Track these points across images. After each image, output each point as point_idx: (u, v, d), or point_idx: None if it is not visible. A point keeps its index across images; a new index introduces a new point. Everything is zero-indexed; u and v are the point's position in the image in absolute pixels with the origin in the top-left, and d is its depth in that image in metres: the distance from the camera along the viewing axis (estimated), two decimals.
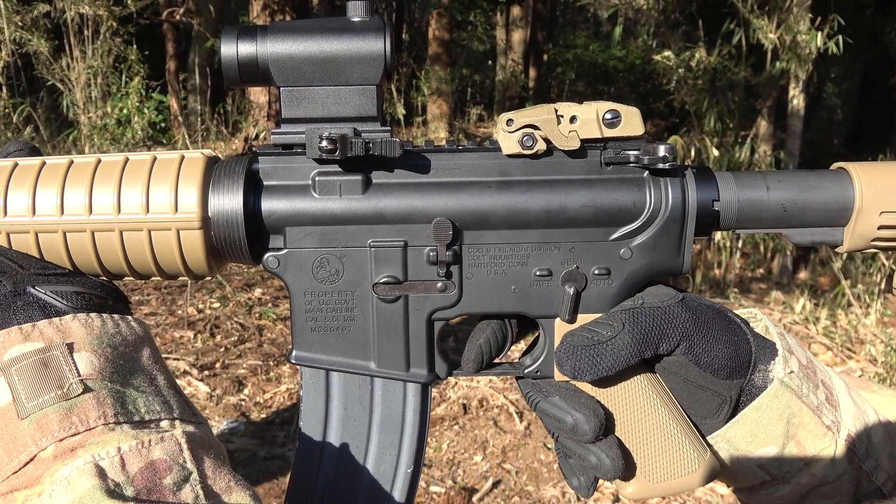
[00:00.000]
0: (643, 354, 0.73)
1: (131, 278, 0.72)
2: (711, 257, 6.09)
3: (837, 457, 0.78)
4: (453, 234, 0.72)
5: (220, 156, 0.73)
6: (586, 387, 0.76)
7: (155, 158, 0.70)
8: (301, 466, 0.76)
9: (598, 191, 0.74)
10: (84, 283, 0.67)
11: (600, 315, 0.76)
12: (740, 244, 6.23)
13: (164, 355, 4.03)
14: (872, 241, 0.76)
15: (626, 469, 0.76)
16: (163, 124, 8.07)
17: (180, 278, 0.73)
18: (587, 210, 0.74)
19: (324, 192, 0.72)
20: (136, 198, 0.67)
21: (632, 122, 0.73)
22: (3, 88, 6.31)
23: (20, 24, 6.24)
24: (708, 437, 0.79)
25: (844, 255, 5.69)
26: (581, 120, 0.73)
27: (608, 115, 0.73)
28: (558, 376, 0.77)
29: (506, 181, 0.73)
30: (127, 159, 0.70)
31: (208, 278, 0.79)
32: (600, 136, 0.73)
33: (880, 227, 0.75)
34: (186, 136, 6.66)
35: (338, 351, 0.75)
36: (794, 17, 6.03)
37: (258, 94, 7.83)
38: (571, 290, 0.75)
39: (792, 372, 0.77)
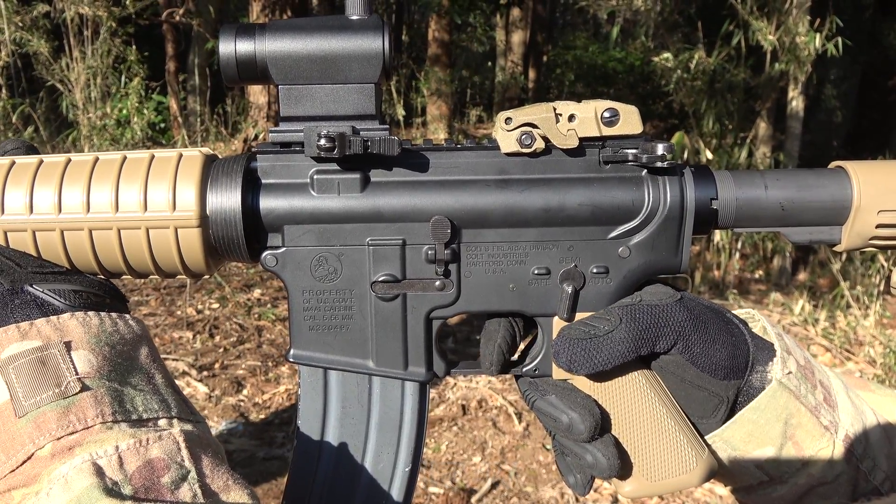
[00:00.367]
0: (639, 351, 0.73)
1: (129, 277, 0.72)
2: (711, 258, 6.09)
3: (835, 457, 0.78)
4: (452, 233, 0.72)
5: (218, 154, 0.73)
6: (584, 385, 0.76)
7: (153, 157, 0.70)
8: (299, 465, 0.76)
9: (596, 189, 0.74)
10: (82, 282, 0.67)
11: (599, 311, 0.76)
12: (739, 245, 6.23)
13: (163, 356, 4.03)
14: (870, 239, 0.76)
15: (624, 468, 0.76)
16: (162, 125, 8.06)
17: (179, 277, 0.73)
18: (585, 208, 0.74)
19: (322, 190, 0.72)
20: (134, 196, 0.67)
21: (630, 120, 0.73)
22: (3, 89, 6.31)
23: (20, 24, 6.24)
24: (706, 437, 0.78)
25: (844, 257, 5.69)
26: (579, 118, 0.73)
27: (606, 114, 0.73)
28: (556, 375, 0.77)
29: (504, 180, 0.73)
30: (125, 157, 0.70)
31: (207, 278, 0.79)
32: (599, 135, 0.73)
33: (878, 226, 0.75)
34: (186, 137, 6.67)
35: (336, 349, 0.75)
36: (793, 18, 6.03)
37: (257, 95, 7.83)
38: (570, 289, 0.75)
39: (790, 372, 0.77)
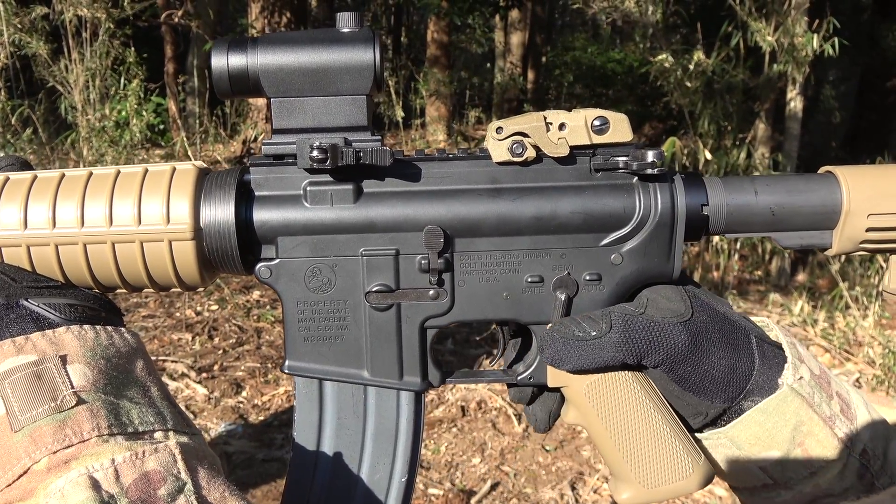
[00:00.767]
0: (625, 360, 0.73)
1: (124, 291, 0.73)
2: (710, 259, 6.09)
3: (847, 471, 0.76)
4: (444, 242, 0.72)
5: (210, 168, 0.74)
6: (579, 392, 0.77)
7: (146, 171, 0.70)
8: (295, 477, 0.76)
9: (588, 197, 0.74)
10: (77, 296, 0.67)
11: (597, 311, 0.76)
12: (738, 246, 6.23)
13: (162, 358, 4.03)
14: (861, 243, 0.76)
15: (622, 475, 0.77)
16: (161, 126, 8.06)
17: (173, 290, 0.73)
18: (577, 216, 0.74)
19: (315, 201, 0.72)
20: (128, 210, 0.68)
21: (620, 128, 0.74)
22: (2, 90, 6.31)
23: (19, 26, 6.24)
24: (711, 434, 0.78)
25: (842, 258, 5.69)
26: (570, 127, 0.73)
27: (596, 122, 0.73)
28: (552, 383, 0.78)
29: (496, 189, 0.74)
30: (118, 172, 0.70)
31: None
32: (589, 143, 0.74)
33: (868, 230, 0.75)
34: (185, 139, 6.66)
35: (331, 360, 0.75)
36: (791, 19, 6.03)
37: None
38: (563, 297, 0.75)
39: (801, 378, 0.76)
